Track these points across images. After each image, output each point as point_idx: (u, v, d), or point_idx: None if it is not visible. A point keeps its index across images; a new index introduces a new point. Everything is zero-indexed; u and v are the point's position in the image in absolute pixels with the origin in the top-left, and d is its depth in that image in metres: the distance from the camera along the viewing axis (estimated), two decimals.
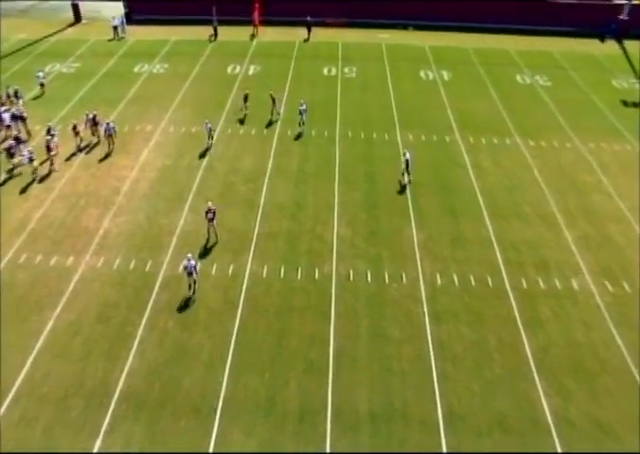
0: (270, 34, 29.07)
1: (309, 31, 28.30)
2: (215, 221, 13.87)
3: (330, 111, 21.01)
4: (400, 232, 14.59)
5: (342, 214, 15.23)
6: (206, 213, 13.80)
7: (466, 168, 17.38)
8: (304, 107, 18.97)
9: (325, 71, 25.15)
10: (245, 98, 20.20)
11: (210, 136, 18.31)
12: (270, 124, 19.47)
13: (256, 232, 14.47)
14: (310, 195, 15.92)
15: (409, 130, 19.58)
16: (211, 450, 9.52)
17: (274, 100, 19.85)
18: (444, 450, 9.53)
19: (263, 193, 15.93)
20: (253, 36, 29.02)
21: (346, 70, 24.98)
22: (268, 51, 27.20)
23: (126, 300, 12.43)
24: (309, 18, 28.03)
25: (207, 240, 13.90)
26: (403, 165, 16.38)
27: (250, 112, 20.38)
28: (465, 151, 18.30)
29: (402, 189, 16.09)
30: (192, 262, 12.20)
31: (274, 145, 18.43)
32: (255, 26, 29.18)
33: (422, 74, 24.93)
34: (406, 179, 16.43)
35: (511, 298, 12.51)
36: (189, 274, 12.29)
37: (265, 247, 13.97)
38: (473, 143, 18.83)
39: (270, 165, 17.34)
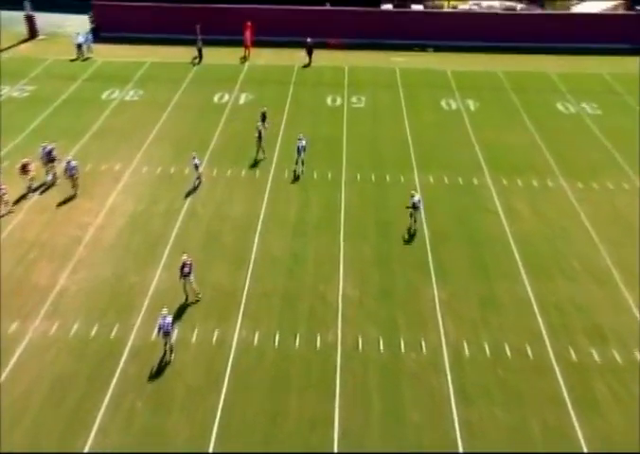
0: (264, 57, 32.29)
1: (309, 55, 31.41)
2: (192, 277, 14.77)
3: (335, 148, 22.84)
4: (419, 291, 15.64)
5: (348, 270, 16.46)
6: (181, 268, 14.67)
7: (497, 215, 19.03)
8: (303, 143, 20.45)
9: (329, 100, 27.71)
10: (263, 118, 22.57)
11: (197, 174, 19.97)
12: (256, 164, 21.24)
13: (245, 291, 15.52)
14: (310, 247, 17.21)
15: (429, 170, 21.27)
16: None
17: (260, 135, 21.41)
18: None
19: (255, 245, 17.25)
20: (244, 59, 32.20)
21: (353, 99, 27.58)
22: (262, 77, 30.10)
23: (85, 374, 12.97)
24: (309, 40, 31.16)
25: (186, 301, 14.94)
26: (411, 210, 17.77)
27: (240, 150, 22.46)
28: (496, 195, 20.04)
29: (411, 237, 17.55)
30: (168, 319, 13.06)
31: (267, 188, 20.04)
32: (246, 47, 32.41)
33: (444, 103, 27.50)
34: (414, 224, 17.87)
35: (557, 373, 13.21)
36: (166, 335, 13.07)
37: (257, 309, 14.93)
38: (507, 185, 20.65)
39: (263, 212, 18.78)
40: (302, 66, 31.12)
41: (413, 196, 17.83)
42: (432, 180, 20.78)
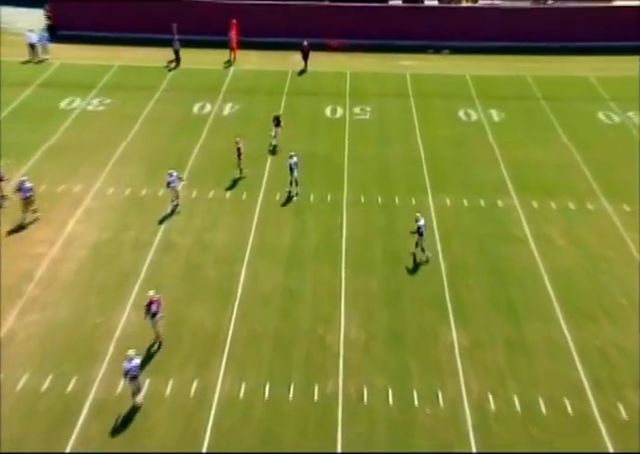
0: (253, 60, 33.35)
1: (305, 59, 32.45)
2: (159, 317, 15.03)
3: (335, 166, 23.70)
4: (435, 334, 15.95)
5: (352, 308, 16.92)
6: (147, 306, 14.96)
7: (527, 243, 19.65)
8: (294, 160, 21.28)
9: (327, 111, 28.69)
10: (277, 122, 24.44)
11: (174, 196, 20.54)
12: (242, 184, 22.07)
13: (230, 334, 15.81)
14: (306, 281, 17.67)
15: (445, 191, 22.05)
16: None
17: (239, 152, 22.29)
18: None
19: (242, 279, 17.69)
20: (229, 63, 33.26)
21: (356, 110, 28.58)
22: (250, 84, 31.16)
23: (36, 435, 13.05)
24: (305, 42, 32.26)
25: (159, 346, 15.31)
26: (416, 236, 18.42)
27: (224, 168, 22.85)
28: (525, 220, 20.70)
29: (422, 268, 18.11)
30: (136, 362, 13.46)
31: (256, 212, 20.74)
32: (232, 49, 33.40)
33: (462, 114, 28.52)
34: (422, 255, 18.58)
35: (603, 432, 13.49)
36: (133, 379, 13.39)
37: (243, 355, 15.16)
38: (538, 208, 21.35)
39: (251, 241, 19.40)
40: (297, 72, 32.18)
41: (418, 219, 18.42)
42: (449, 202, 21.48)
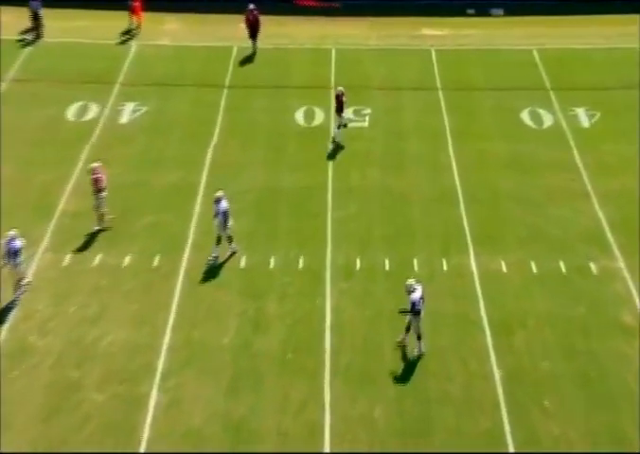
0: (170, 30, 34.13)
1: (253, 33, 33.07)
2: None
3: (313, 208, 24.30)
4: None
5: None
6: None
7: None
8: (223, 205, 21.84)
9: (300, 117, 29.05)
10: (340, 106, 26.88)
11: (16, 270, 20.74)
12: (141, 241, 22.52)
13: None
14: (265, 417, 17.50)
15: (499, 248, 22.53)
16: None
17: (98, 187, 22.73)
18: None
19: (150, 414, 17.55)
20: (129, 34, 34.19)
21: (346, 113, 28.21)
22: (166, 71, 31.67)
23: None
24: (251, 6, 32.83)
25: None
26: (408, 317, 18.82)
27: (128, 213, 23.42)
28: None
29: (409, 366, 18.45)
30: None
31: (176, 292, 21.02)
32: (134, 12, 34.34)
33: (528, 117, 28.98)
34: (417, 346, 18.89)
35: None
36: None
37: None
38: None
39: (166, 344, 19.41)
40: (247, 49, 32.90)
41: (411, 289, 18.76)
42: (505, 266, 21.85)
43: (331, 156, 26.39)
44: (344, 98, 26.53)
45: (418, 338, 18.82)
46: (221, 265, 21.88)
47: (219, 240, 21.96)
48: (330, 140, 26.94)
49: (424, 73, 31.24)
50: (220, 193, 21.82)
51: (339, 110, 26.64)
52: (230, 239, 22.10)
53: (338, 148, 26.61)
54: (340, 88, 26.73)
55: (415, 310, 18.44)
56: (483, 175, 25.35)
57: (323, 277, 21.30)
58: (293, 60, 32.04)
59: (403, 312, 18.85)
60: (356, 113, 28.51)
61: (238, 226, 22.21)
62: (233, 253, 22.23)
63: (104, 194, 22.58)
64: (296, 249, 22.33)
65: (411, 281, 18.74)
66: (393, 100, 29.19)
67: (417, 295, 18.45)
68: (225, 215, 21.78)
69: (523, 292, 20.85)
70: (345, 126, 26.77)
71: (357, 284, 21.16)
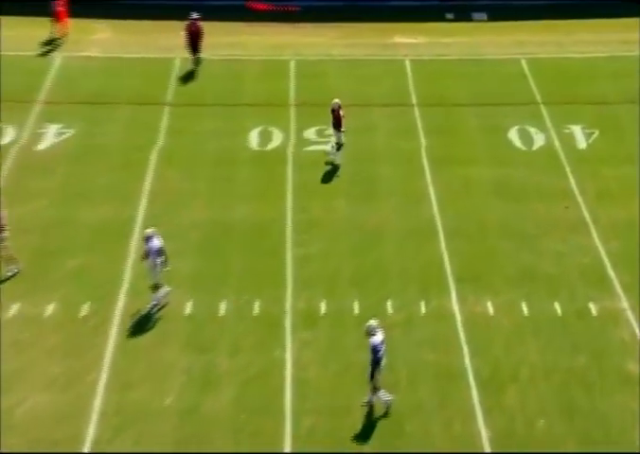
0: (102, 41, 34.20)
1: (193, 44, 33.23)
2: None
3: (270, 245, 24.41)
4: None
5: None
6: None
7: None
8: (156, 245, 21.76)
9: (253, 139, 29.22)
10: (337, 120, 27.55)
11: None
12: (6, 287, 22.06)
13: None
14: None
15: (485, 286, 22.66)
16: None
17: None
18: None
19: None
20: (53, 44, 34.20)
21: (309, 134, 29.21)
22: (96, 87, 31.61)
23: None
24: (194, 15, 33.11)
25: None
26: (369, 370, 18.69)
27: (35, 260, 23.17)
28: None
29: (382, 428, 18.27)
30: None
31: (109, 347, 20.70)
32: (57, 17, 34.37)
33: (516, 136, 29.39)
34: (383, 397, 18.86)
35: None
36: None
37: None
38: None
39: (98, 407, 19.03)
40: (192, 60, 33.10)
41: (371, 331, 18.73)
42: (491, 309, 21.90)
43: (302, 184, 26.44)
44: (341, 112, 26.85)
45: (374, 390, 18.63)
46: (162, 314, 21.67)
47: (155, 288, 21.77)
48: (328, 161, 27.16)
49: (397, 87, 31.53)
50: (150, 230, 21.76)
51: (336, 125, 26.97)
52: (155, 287, 21.77)
53: (334, 171, 26.83)
54: (336, 101, 27.05)
55: (377, 357, 18.30)
56: (466, 205, 25.44)
57: (282, 325, 21.29)
58: (246, 73, 32.23)
59: (369, 373, 18.92)
60: (319, 133, 28.66)
61: (181, 267, 22.25)
62: (156, 305, 22.07)
63: (5, 234, 22.28)
64: (250, 293, 22.29)
65: (372, 322, 18.67)
66: (361, 119, 29.17)
67: (378, 339, 18.35)
68: (159, 254, 21.57)
69: (513, 339, 20.82)
70: (339, 147, 27.08)
71: (322, 333, 21.14)
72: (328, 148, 27.54)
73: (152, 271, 21.68)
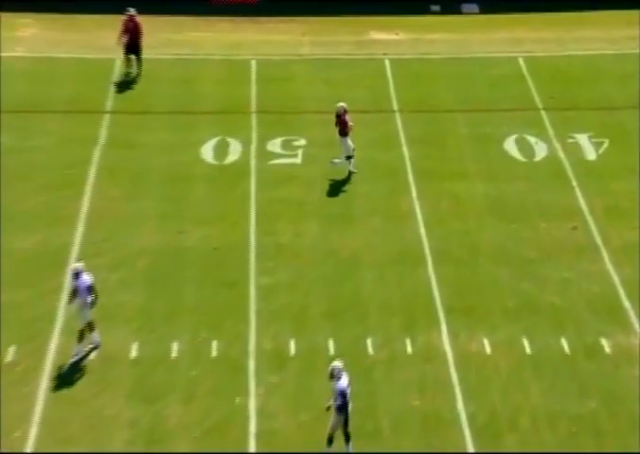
0: (29, 38, 34.31)
1: (132, 46, 33.24)
2: None
3: (229, 274, 24.44)
4: None
5: None
6: None
7: None
8: (85, 281, 21.46)
9: (207, 151, 29.38)
10: (343, 125, 28.10)
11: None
12: None
13: None
14: None
15: (480, 321, 22.78)
16: None
17: None
18: None
19: None
20: None
21: (274, 146, 29.45)
22: (21, 93, 31.51)
23: None
24: (132, 10, 33.21)
25: None
26: (333, 416, 18.76)
27: None
28: None
29: None
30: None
31: (39, 396, 20.48)
32: None
33: (514, 146, 29.68)
34: (347, 449, 19.04)
35: None
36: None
37: None
38: None
39: None
40: (130, 62, 33.23)
41: (335, 374, 18.73)
42: (488, 346, 21.94)
43: (266, 203, 26.62)
44: (347, 117, 27.15)
45: (347, 439, 18.74)
46: (102, 357, 21.45)
47: (91, 326, 21.53)
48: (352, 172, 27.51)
49: (376, 91, 31.80)
50: (78, 264, 21.75)
51: (343, 133, 27.22)
52: (84, 332, 21.43)
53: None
54: (341, 104, 27.40)
55: (344, 402, 18.33)
56: (456, 225, 25.64)
57: (244, 368, 21.18)
58: (200, 75, 32.46)
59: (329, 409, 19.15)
60: (285, 145, 28.88)
61: (127, 302, 22.33)
62: (94, 348, 21.81)
63: None
64: (207, 330, 22.29)
65: (337, 363, 18.65)
66: (334, 129, 28.74)
67: (345, 382, 18.36)
68: (89, 292, 21.39)
69: (513, 381, 20.81)
70: (348, 157, 27.38)
71: (291, 376, 21.02)
72: (336, 160, 27.72)
73: (82, 312, 21.37)
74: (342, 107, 27.26)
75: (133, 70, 32.76)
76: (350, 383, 18.58)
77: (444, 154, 28.69)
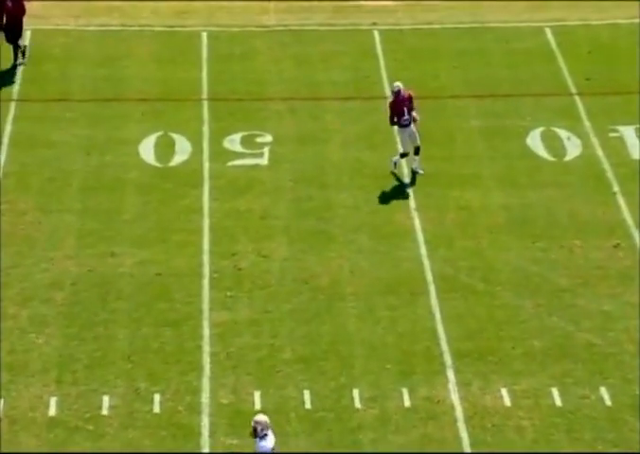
0: None
1: (12, 33, 33.79)
2: None
3: (171, 312, 24.73)
4: None
5: None
6: None
7: None
8: None
9: (146, 150, 29.94)
10: (402, 109, 28.65)
11: None
12: None
13: None
14: None
15: (496, 367, 23.17)
16: None
17: None
18: None
19: None
20: None
21: (232, 143, 29.97)
22: None
23: None
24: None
25: None
26: None
27: None
28: None
29: None
30: None
31: None
32: None
33: (537, 140, 30.30)
34: None
35: None
36: None
37: None
38: None
39: None
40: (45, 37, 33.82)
41: (261, 431, 18.63)
42: (507, 397, 22.24)
43: (224, 216, 27.24)
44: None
45: None
46: (10, 418, 21.42)
47: None
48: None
49: (362, 71, 32.33)
50: None
51: (403, 121, 27.75)
52: None
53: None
54: (397, 83, 27.79)
55: None
56: (467, 245, 26.18)
57: (195, 429, 21.45)
58: (134, 52, 32.92)
59: None
60: (247, 142, 29.42)
61: (40, 349, 22.54)
62: None
63: None
64: (147, 381, 22.55)
65: (261, 417, 18.83)
66: (308, 120, 29.97)
67: (270, 443, 18.61)
68: None
69: (540, 443, 20.97)
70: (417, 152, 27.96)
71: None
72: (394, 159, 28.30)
73: None
74: (397, 86, 27.62)
75: (48, 44, 33.20)
76: (276, 445, 18.52)
77: (450, 154, 29.27)
